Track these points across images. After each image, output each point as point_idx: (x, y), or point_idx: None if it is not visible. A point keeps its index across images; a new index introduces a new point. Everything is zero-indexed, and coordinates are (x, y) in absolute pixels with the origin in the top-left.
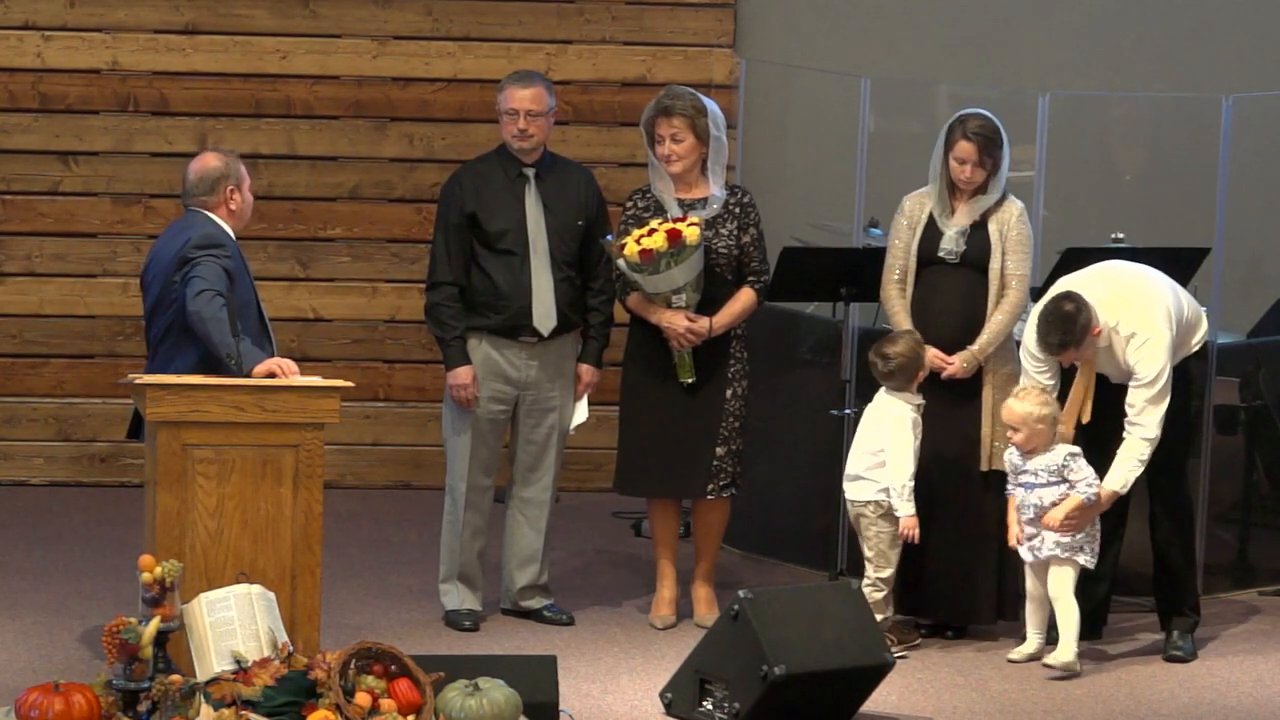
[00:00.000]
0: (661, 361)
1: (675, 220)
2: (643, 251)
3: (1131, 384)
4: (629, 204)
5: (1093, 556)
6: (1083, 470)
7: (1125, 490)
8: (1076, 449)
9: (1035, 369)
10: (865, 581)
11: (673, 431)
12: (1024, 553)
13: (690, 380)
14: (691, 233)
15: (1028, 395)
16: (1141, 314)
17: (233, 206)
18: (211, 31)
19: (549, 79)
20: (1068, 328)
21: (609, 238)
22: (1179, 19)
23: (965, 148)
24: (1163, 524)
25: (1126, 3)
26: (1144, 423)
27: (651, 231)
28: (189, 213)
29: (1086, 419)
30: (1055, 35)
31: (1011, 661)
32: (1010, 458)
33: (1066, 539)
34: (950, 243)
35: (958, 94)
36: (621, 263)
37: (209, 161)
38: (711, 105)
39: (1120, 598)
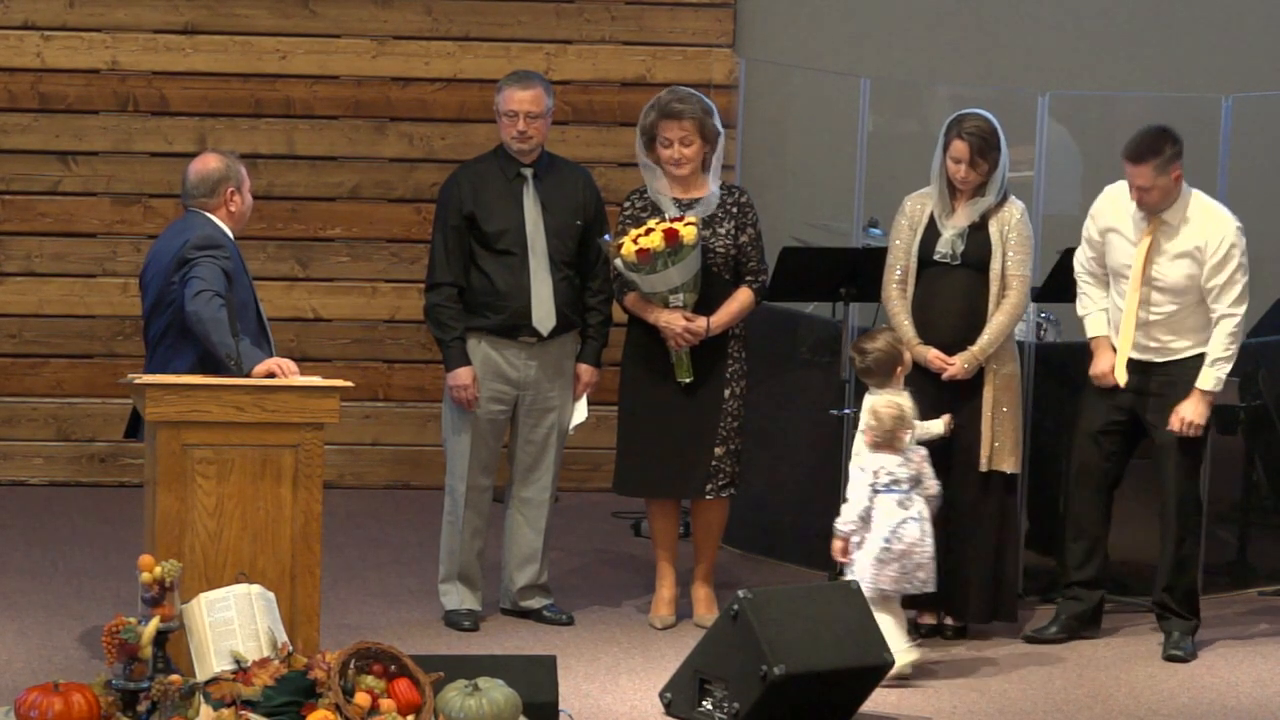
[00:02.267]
0: (660, 362)
1: (673, 220)
2: (640, 251)
3: (1209, 274)
4: (627, 204)
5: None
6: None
7: (1217, 387)
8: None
9: (1085, 277)
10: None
11: (672, 432)
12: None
13: (688, 380)
14: (689, 232)
15: (882, 395)
16: (1217, 211)
17: (233, 208)
18: (211, 31)
19: (548, 79)
20: (1157, 138)
21: (606, 238)
22: (1179, 19)
23: (959, 147)
24: (1175, 521)
25: (1126, 3)
26: (1231, 312)
27: (648, 231)
28: (189, 213)
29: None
30: (1055, 35)
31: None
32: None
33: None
34: (946, 245)
35: (958, 94)
36: (619, 262)
37: (209, 163)
38: (710, 102)
39: (1119, 597)
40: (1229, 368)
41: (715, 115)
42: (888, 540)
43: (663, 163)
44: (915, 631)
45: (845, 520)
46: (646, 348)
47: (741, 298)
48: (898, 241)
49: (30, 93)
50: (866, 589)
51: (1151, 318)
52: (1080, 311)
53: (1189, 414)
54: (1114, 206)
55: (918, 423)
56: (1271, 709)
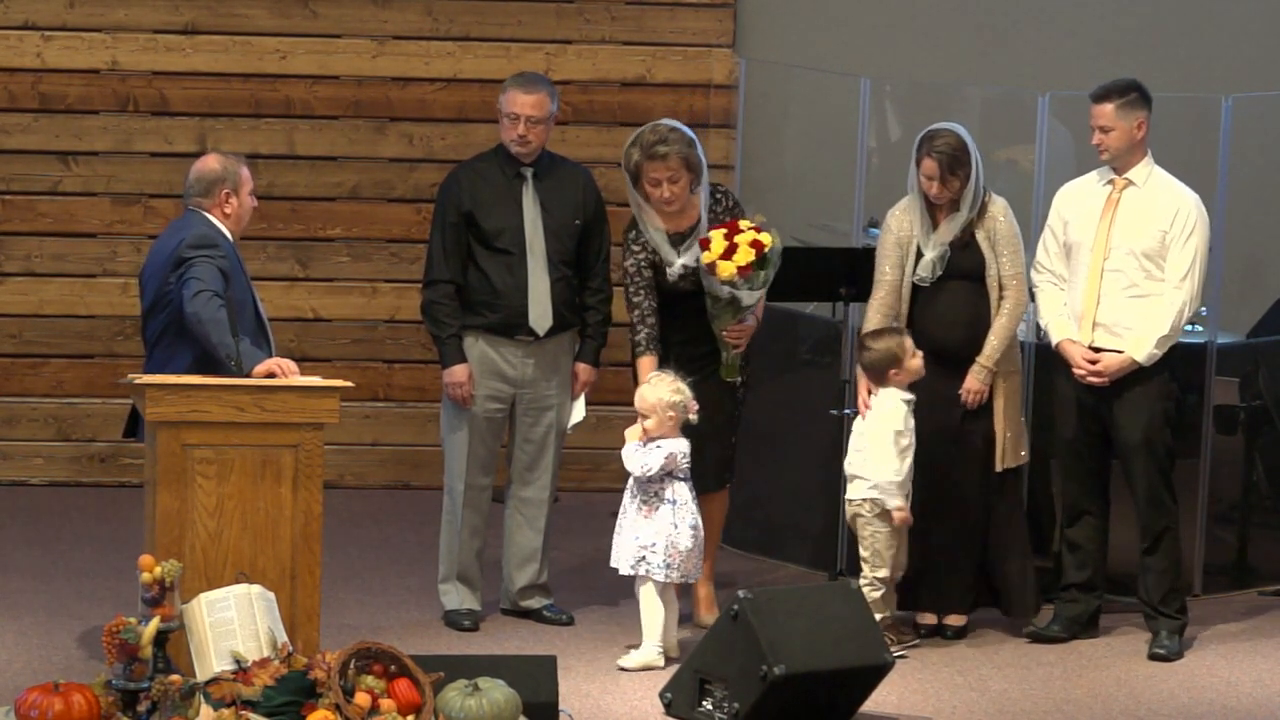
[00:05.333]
0: (680, 365)
1: (729, 230)
2: (741, 269)
3: (1170, 243)
4: (635, 246)
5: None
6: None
7: (1149, 363)
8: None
9: (1045, 283)
10: (862, 581)
11: (695, 431)
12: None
13: (738, 380)
14: (767, 238)
15: (660, 382)
16: (1184, 188)
17: (228, 210)
18: (211, 31)
19: (548, 79)
20: (1124, 82)
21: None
22: (1179, 19)
23: (929, 165)
24: (1150, 521)
25: (1126, 3)
26: (1180, 288)
27: (732, 248)
28: (188, 212)
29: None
30: (1055, 35)
31: (625, 669)
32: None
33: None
34: (925, 269)
35: (957, 94)
36: (721, 286)
37: (208, 163)
38: (690, 130)
39: (1118, 597)
40: (1165, 349)
41: (697, 145)
42: (694, 527)
43: (651, 201)
44: (913, 630)
45: (641, 465)
46: (669, 353)
47: (762, 294)
48: (886, 263)
49: (30, 93)
50: (666, 576)
51: (1115, 288)
52: (1042, 319)
53: (1105, 368)
54: (1078, 189)
55: None
56: (1271, 709)
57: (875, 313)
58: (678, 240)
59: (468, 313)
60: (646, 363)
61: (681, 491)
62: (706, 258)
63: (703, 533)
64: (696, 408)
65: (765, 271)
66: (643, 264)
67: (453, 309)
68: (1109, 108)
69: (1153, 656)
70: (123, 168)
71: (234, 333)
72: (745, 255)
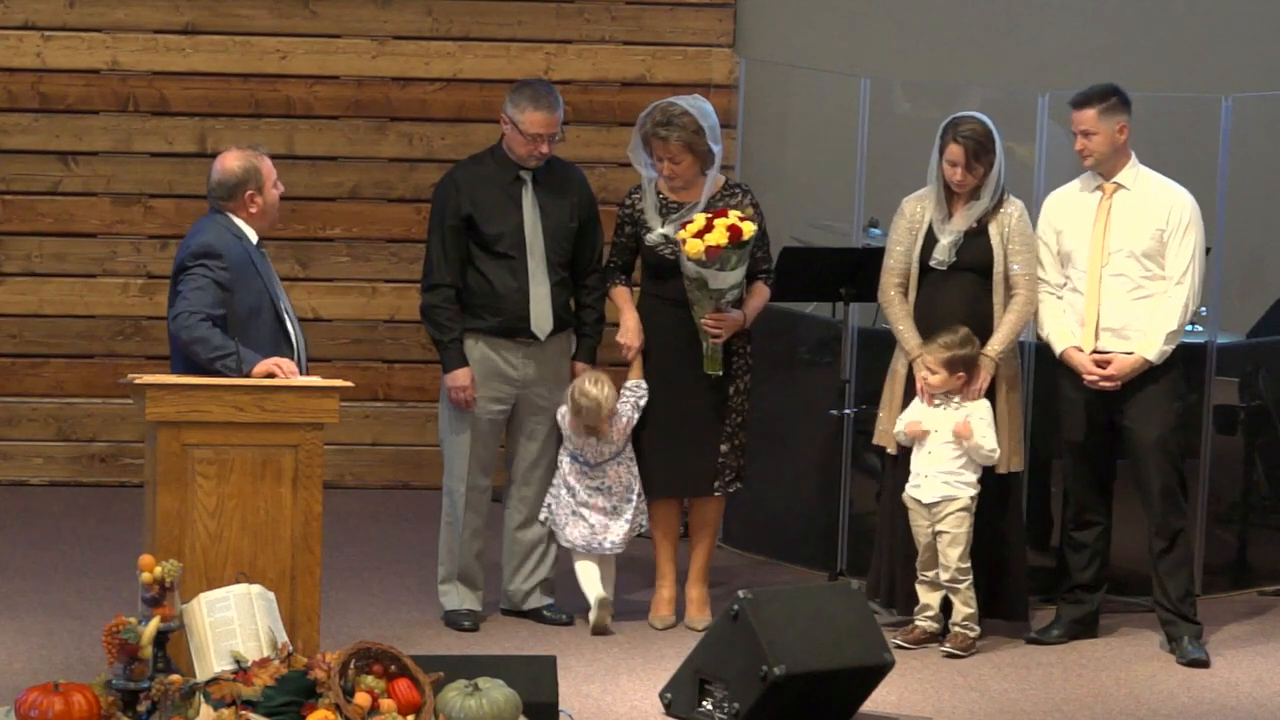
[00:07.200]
0: (666, 363)
1: (714, 215)
2: (710, 249)
3: (1169, 240)
4: (627, 201)
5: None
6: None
7: (1160, 360)
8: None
9: (1042, 292)
10: (966, 582)
11: (680, 431)
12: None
13: (719, 373)
14: (748, 228)
15: (585, 382)
16: (1177, 186)
17: (253, 210)
18: (211, 31)
19: (548, 79)
20: (1103, 88)
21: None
22: (1179, 19)
23: (954, 150)
24: (1165, 520)
25: (1126, 3)
26: (1183, 283)
27: (709, 228)
28: (210, 213)
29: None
30: (1055, 35)
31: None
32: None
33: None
34: (942, 252)
35: (957, 94)
36: (688, 262)
37: (229, 165)
38: (708, 114)
39: (1118, 597)
40: (1174, 345)
41: (706, 133)
42: (578, 504)
43: (658, 174)
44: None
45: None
46: (652, 350)
47: (762, 293)
48: (897, 246)
49: (30, 93)
50: (566, 541)
51: (1119, 292)
52: (1043, 330)
53: (1117, 370)
54: (1066, 196)
55: (978, 443)
56: (1271, 709)
57: (896, 295)
58: (670, 209)
59: (468, 315)
60: (618, 291)
61: (576, 471)
62: (680, 235)
63: (591, 512)
64: (601, 428)
65: (735, 255)
66: (625, 220)
67: (453, 312)
68: (1090, 113)
69: (1191, 663)
70: (123, 168)
71: (231, 336)
72: (718, 237)
